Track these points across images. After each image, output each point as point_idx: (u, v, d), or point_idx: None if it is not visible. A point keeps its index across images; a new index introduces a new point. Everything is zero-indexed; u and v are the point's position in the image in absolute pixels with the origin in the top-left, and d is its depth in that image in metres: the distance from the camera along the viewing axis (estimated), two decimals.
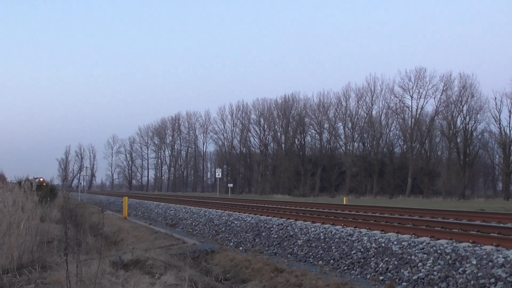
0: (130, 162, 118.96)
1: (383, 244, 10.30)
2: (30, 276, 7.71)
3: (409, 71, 62.06)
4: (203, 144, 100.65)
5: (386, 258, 9.65)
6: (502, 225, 13.09)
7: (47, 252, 10.25)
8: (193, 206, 26.11)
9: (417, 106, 61.61)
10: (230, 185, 64.50)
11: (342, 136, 71.70)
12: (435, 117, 60.89)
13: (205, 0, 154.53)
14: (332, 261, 10.71)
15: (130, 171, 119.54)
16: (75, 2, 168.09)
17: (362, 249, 10.53)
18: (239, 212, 20.19)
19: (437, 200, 49.46)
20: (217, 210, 22.08)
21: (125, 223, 22.54)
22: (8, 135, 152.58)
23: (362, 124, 68.16)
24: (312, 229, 13.29)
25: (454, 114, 58.08)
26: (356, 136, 68.77)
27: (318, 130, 74.89)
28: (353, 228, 12.90)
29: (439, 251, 9.01)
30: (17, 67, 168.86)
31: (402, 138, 66.42)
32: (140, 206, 32.29)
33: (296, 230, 13.74)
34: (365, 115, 68.21)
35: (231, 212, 20.77)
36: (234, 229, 16.44)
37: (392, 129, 67.86)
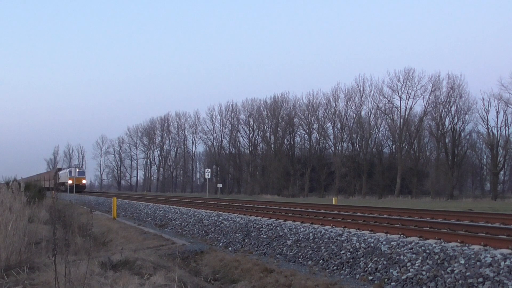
0: (119, 163, 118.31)
1: (372, 244, 10.33)
2: (18, 277, 7.65)
3: (397, 72, 62.32)
4: (192, 145, 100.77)
5: (375, 258, 9.68)
6: (490, 225, 13.17)
7: (35, 253, 10.17)
8: (182, 207, 26.01)
9: (406, 107, 62.14)
10: (220, 185, 64.41)
11: (331, 137, 71.92)
12: (424, 118, 61.39)
13: (194, 1, 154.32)
14: (321, 261, 10.72)
15: (119, 172, 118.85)
16: (63, 3, 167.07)
17: (351, 249, 10.55)
18: (229, 213, 20.15)
19: (426, 200, 49.74)
20: (207, 211, 22.03)
21: (114, 223, 22.45)
22: None
23: (351, 124, 68.47)
24: (302, 229, 13.29)
25: (442, 115, 58.56)
26: (345, 136, 69.00)
27: (307, 131, 74.99)
28: (342, 228, 12.92)
29: (427, 251, 9.05)
30: (5, 67, 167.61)
31: (391, 138, 66.78)
32: (129, 207, 32.13)
33: (285, 230, 13.73)
34: (354, 116, 68.53)
35: (220, 212, 20.73)
36: (224, 229, 16.41)
37: (381, 129, 68.33)
